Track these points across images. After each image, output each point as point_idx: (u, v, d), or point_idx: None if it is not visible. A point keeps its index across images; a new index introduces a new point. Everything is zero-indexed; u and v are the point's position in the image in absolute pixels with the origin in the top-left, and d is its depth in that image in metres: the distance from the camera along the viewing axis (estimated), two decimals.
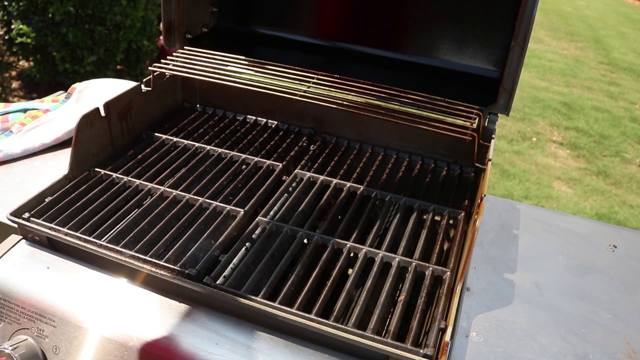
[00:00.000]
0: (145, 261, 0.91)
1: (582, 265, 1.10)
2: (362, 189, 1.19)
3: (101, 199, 1.09)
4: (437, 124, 1.21)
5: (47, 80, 3.72)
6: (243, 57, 1.42)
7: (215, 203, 1.10)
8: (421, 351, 0.79)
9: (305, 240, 1.05)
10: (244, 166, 1.28)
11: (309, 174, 1.23)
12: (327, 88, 1.32)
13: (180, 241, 0.99)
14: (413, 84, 1.32)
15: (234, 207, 1.09)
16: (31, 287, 0.92)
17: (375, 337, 0.80)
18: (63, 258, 0.98)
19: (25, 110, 1.47)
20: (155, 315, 0.88)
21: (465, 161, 1.33)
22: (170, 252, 0.96)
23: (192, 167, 1.24)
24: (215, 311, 0.89)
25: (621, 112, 5.25)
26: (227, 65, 1.39)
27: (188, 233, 1.02)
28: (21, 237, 1.01)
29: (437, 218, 1.14)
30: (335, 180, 1.21)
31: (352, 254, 1.01)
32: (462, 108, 1.25)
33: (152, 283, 0.92)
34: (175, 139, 1.33)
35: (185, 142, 1.33)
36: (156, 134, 1.35)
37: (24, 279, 0.94)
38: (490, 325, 0.93)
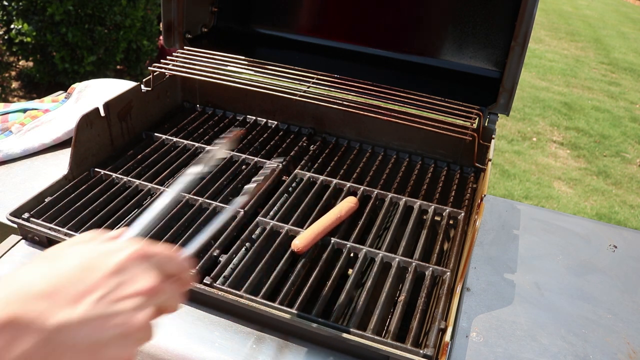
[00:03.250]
0: None
1: (583, 265, 1.10)
2: (362, 189, 1.19)
3: (101, 199, 1.09)
4: (437, 124, 1.21)
5: (47, 80, 3.72)
6: (243, 57, 1.42)
7: (215, 203, 1.10)
8: (421, 351, 0.78)
9: None
10: (244, 166, 1.28)
11: (309, 174, 1.23)
12: (327, 88, 1.32)
13: (181, 241, 0.99)
14: (413, 84, 1.32)
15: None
16: None
17: (375, 337, 0.80)
18: None
19: (24, 110, 1.47)
20: None
21: (465, 161, 1.33)
22: None
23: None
24: (215, 311, 0.89)
25: (621, 112, 5.25)
26: (227, 65, 1.39)
27: (188, 233, 1.02)
28: (21, 237, 1.01)
29: (437, 218, 1.14)
30: (335, 180, 1.21)
31: (352, 254, 1.01)
32: (462, 108, 1.25)
33: None
34: (175, 139, 1.33)
35: (185, 142, 1.33)
36: (156, 134, 1.35)
37: None
38: (491, 325, 0.93)
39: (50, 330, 0.42)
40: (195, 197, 1.12)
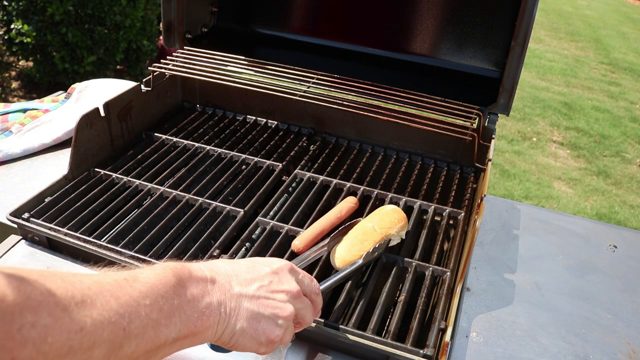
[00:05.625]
0: (145, 261, 0.91)
1: (582, 265, 1.10)
2: (362, 189, 1.19)
3: (101, 199, 1.09)
4: (437, 124, 1.21)
5: (47, 80, 3.72)
6: (243, 57, 1.42)
7: (215, 203, 1.10)
8: (421, 351, 0.78)
9: None
10: (244, 166, 1.28)
11: (309, 174, 1.23)
12: (327, 88, 1.32)
13: (180, 241, 0.99)
14: (413, 84, 1.32)
15: (234, 207, 1.09)
16: None
17: (375, 337, 0.80)
18: (63, 258, 0.98)
19: (24, 110, 1.47)
20: None
21: (465, 161, 1.33)
22: (171, 252, 0.96)
23: (192, 167, 1.24)
24: None
25: (621, 112, 5.25)
26: (227, 65, 1.39)
27: (188, 233, 1.02)
28: (21, 237, 1.01)
29: (437, 218, 1.14)
30: (335, 180, 1.21)
31: None
32: (462, 108, 1.25)
33: None
34: (175, 139, 1.33)
35: (185, 142, 1.33)
36: (156, 134, 1.35)
37: None
38: (490, 325, 0.93)
39: (232, 294, 0.61)
40: (195, 197, 1.12)
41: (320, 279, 0.94)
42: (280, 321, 0.64)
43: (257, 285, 0.64)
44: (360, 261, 0.90)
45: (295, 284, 0.68)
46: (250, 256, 0.96)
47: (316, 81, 1.33)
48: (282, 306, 0.64)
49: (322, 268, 0.96)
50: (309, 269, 0.96)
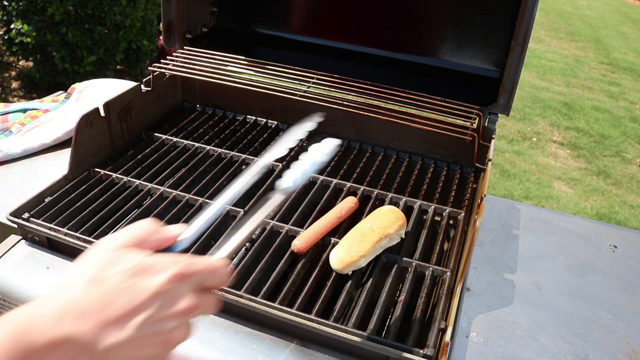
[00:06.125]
0: None
1: (582, 265, 1.10)
2: (362, 189, 1.19)
3: (101, 199, 1.09)
4: (437, 124, 1.21)
5: (47, 80, 3.72)
6: (243, 57, 1.42)
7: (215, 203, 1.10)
8: (421, 351, 0.78)
9: None
10: (243, 166, 1.28)
11: None
12: (327, 88, 1.32)
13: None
14: (413, 84, 1.32)
15: (234, 207, 1.09)
16: (31, 287, 0.92)
17: (375, 337, 0.80)
18: (63, 258, 0.98)
19: (24, 110, 1.47)
20: None
21: (465, 161, 1.33)
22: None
23: (192, 167, 1.24)
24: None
25: (621, 112, 5.24)
26: (227, 65, 1.39)
27: None
28: (21, 237, 1.01)
29: (437, 218, 1.14)
30: (335, 180, 1.21)
31: None
32: (462, 108, 1.25)
33: None
34: (175, 139, 1.33)
35: (185, 142, 1.33)
36: (156, 134, 1.35)
37: (23, 279, 0.94)
38: (490, 325, 0.93)
39: (102, 351, 0.45)
40: (195, 197, 1.12)
41: (320, 279, 0.94)
42: (171, 348, 0.50)
43: (140, 321, 0.47)
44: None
45: (189, 296, 0.50)
46: (251, 256, 0.96)
47: (316, 81, 1.33)
48: (172, 334, 0.49)
49: (321, 268, 0.96)
50: (309, 269, 0.96)
